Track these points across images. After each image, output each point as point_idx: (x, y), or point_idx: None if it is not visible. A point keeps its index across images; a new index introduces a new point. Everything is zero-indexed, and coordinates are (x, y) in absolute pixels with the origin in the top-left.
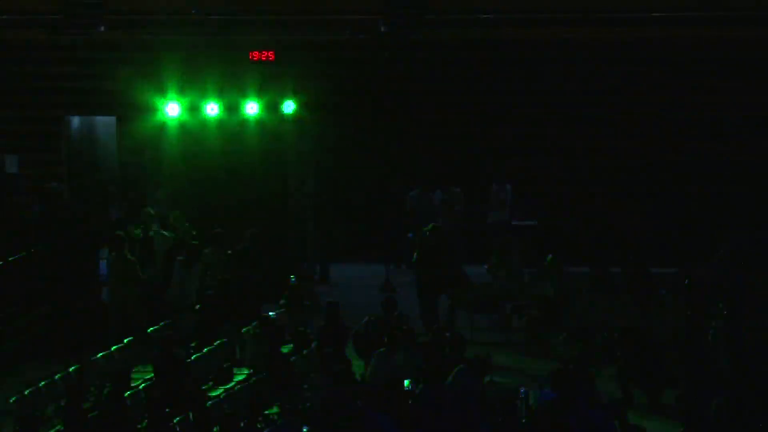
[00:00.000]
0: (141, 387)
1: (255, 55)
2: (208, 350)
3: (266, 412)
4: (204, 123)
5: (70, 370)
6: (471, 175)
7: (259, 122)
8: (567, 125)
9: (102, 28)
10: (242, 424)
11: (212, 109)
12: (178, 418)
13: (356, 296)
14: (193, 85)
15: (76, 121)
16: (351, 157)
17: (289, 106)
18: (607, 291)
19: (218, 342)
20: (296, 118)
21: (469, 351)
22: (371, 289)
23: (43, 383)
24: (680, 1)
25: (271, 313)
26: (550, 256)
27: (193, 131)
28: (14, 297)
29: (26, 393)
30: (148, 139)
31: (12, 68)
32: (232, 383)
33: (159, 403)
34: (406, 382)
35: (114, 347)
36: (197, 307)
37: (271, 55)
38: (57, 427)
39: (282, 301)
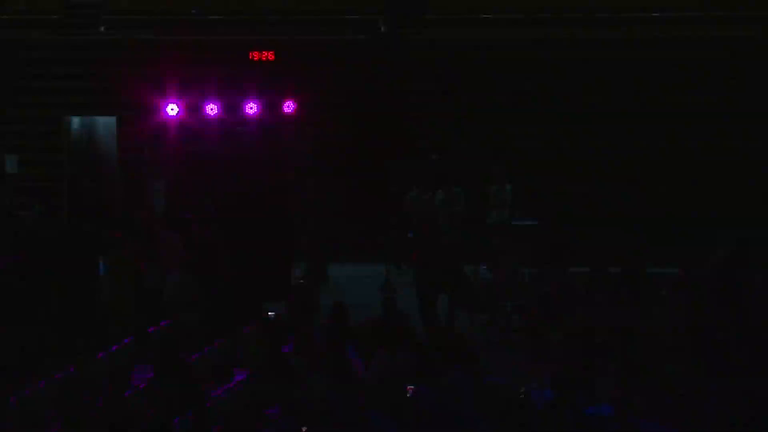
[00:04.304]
0: (141, 387)
1: (255, 55)
2: (208, 350)
3: (266, 412)
4: (204, 123)
5: (71, 370)
6: (471, 175)
7: (259, 122)
8: (567, 125)
9: (102, 28)
10: (242, 424)
11: (212, 109)
12: (178, 418)
13: (356, 296)
14: (193, 85)
15: (76, 121)
16: (351, 157)
17: (289, 106)
18: (607, 291)
19: (218, 342)
20: (296, 118)
21: (468, 350)
22: (371, 289)
23: (43, 383)
24: (680, 1)
25: (270, 314)
26: (550, 256)
27: (193, 131)
28: (14, 297)
29: (26, 393)
30: (148, 139)
31: (12, 68)
32: (232, 383)
33: (159, 402)
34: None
35: (114, 347)
36: (200, 306)
37: (271, 55)
38: (57, 428)
39: (286, 301)
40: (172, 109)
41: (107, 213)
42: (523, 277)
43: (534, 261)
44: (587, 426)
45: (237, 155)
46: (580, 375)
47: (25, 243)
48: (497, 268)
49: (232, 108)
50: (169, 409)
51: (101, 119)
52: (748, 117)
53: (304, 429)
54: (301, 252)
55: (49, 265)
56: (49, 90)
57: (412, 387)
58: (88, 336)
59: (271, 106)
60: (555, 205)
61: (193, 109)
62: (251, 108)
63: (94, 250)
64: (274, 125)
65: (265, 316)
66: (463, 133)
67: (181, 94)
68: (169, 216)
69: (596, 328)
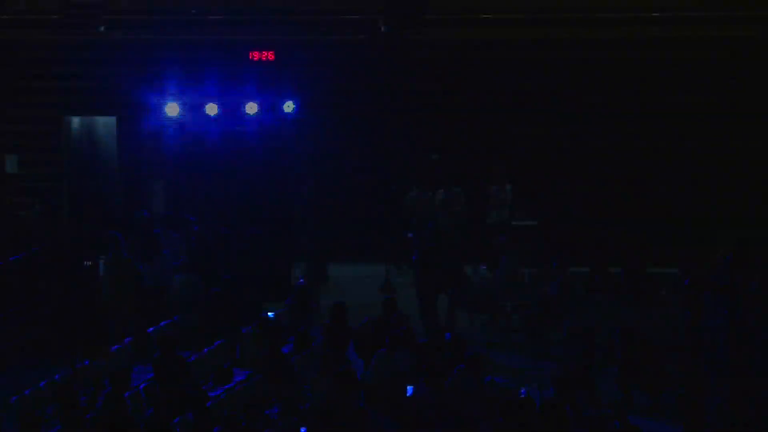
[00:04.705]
0: (141, 387)
1: (255, 55)
2: (208, 350)
3: (266, 412)
4: (204, 123)
5: (70, 371)
6: (471, 175)
7: (259, 122)
8: (567, 125)
9: (102, 28)
10: (242, 424)
11: (212, 109)
12: (178, 418)
13: (356, 296)
14: (193, 85)
15: (76, 121)
16: (351, 157)
17: (289, 106)
18: (607, 291)
19: (218, 342)
20: (296, 118)
21: (468, 351)
22: (371, 289)
23: (43, 383)
24: (680, 1)
25: (270, 314)
26: (555, 264)
27: (193, 131)
28: (14, 297)
29: (26, 393)
30: (148, 139)
31: (12, 68)
32: (232, 383)
33: (159, 403)
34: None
35: (114, 347)
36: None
37: (270, 55)
38: (57, 427)
39: (287, 302)
40: (172, 110)
41: (107, 213)
42: (523, 277)
43: (534, 261)
44: (587, 426)
45: (237, 155)
46: (580, 375)
47: (25, 243)
48: (497, 268)
49: (232, 108)
50: (169, 409)
51: (101, 119)
52: (748, 117)
53: (302, 429)
54: (301, 252)
55: (49, 265)
56: (49, 90)
57: (412, 387)
58: (88, 336)
59: (271, 106)
60: (555, 205)
61: (193, 109)
62: (251, 108)
63: (94, 250)
64: (274, 125)
65: (265, 316)
66: (463, 133)
67: (181, 95)
68: (169, 216)
69: (596, 328)
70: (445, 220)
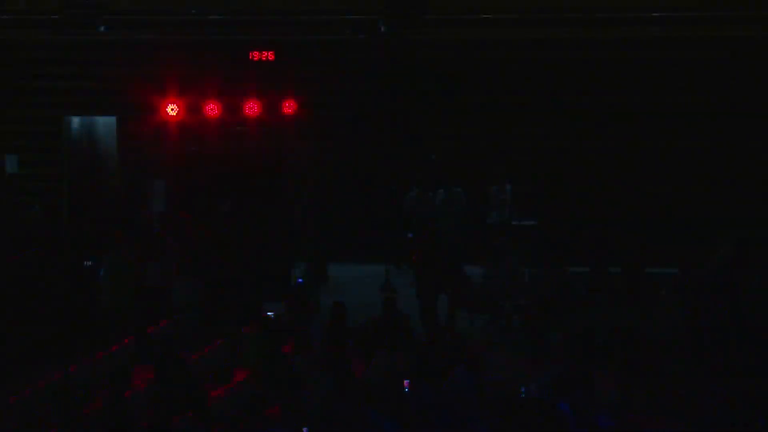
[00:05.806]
0: (141, 387)
1: (255, 55)
2: (208, 350)
3: (266, 412)
4: (204, 123)
5: (71, 370)
6: (471, 175)
7: (259, 122)
8: (567, 125)
9: (102, 28)
10: (242, 424)
11: (212, 109)
12: (178, 418)
13: (356, 296)
14: (193, 85)
15: (76, 121)
16: (351, 157)
17: (289, 106)
18: (607, 291)
19: (218, 342)
20: (296, 118)
21: (468, 351)
22: (371, 289)
23: (43, 383)
24: (680, 1)
25: (270, 314)
26: (554, 263)
27: (193, 131)
28: (14, 297)
29: (26, 393)
30: (148, 139)
31: (12, 68)
32: (232, 383)
33: (159, 402)
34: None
35: (114, 347)
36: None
37: (271, 55)
38: (57, 428)
39: (286, 301)
40: (172, 110)
41: (107, 213)
42: (523, 277)
43: (534, 261)
44: (587, 426)
45: (236, 155)
46: (580, 375)
47: (25, 242)
48: (497, 268)
49: (232, 108)
50: (169, 409)
51: (101, 119)
52: (748, 117)
53: (304, 429)
54: (301, 252)
55: (49, 265)
56: (49, 90)
57: (410, 381)
58: (88, 336)
59: (271, 106)
60: (555, 205)
61: (193, 110)
62: (251, 108)
63: (94, 250)
64: (274, 125)
65: (265, 316)
66: (463, 133)
67: (181, 95)
68: (165, 216)
69: (596, 328)
70: (445, 220)
